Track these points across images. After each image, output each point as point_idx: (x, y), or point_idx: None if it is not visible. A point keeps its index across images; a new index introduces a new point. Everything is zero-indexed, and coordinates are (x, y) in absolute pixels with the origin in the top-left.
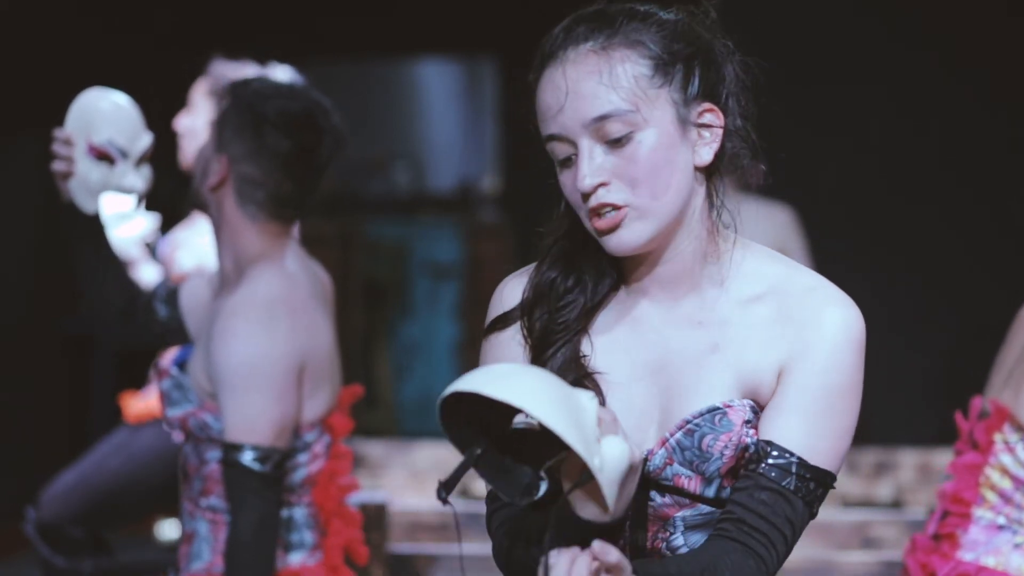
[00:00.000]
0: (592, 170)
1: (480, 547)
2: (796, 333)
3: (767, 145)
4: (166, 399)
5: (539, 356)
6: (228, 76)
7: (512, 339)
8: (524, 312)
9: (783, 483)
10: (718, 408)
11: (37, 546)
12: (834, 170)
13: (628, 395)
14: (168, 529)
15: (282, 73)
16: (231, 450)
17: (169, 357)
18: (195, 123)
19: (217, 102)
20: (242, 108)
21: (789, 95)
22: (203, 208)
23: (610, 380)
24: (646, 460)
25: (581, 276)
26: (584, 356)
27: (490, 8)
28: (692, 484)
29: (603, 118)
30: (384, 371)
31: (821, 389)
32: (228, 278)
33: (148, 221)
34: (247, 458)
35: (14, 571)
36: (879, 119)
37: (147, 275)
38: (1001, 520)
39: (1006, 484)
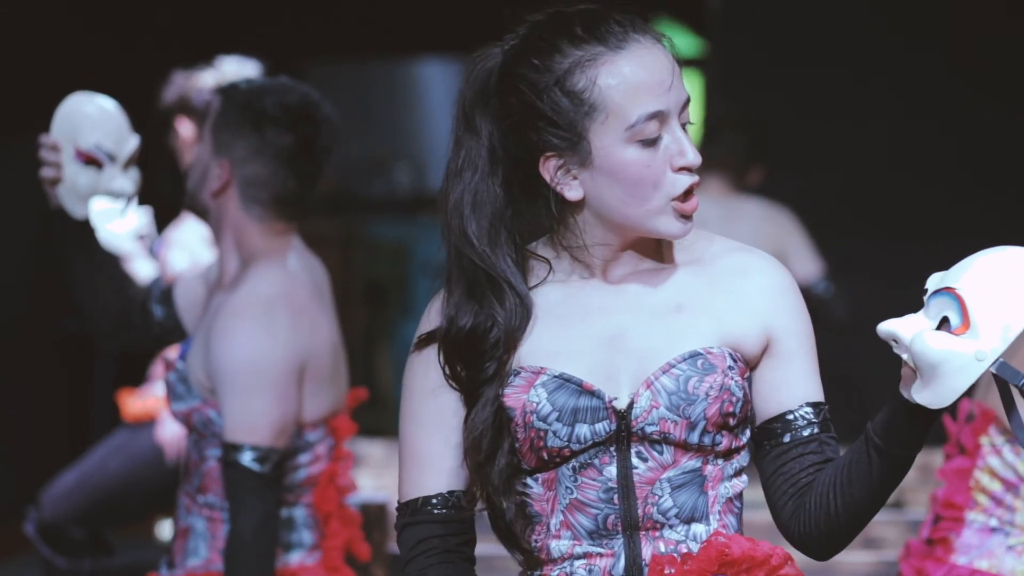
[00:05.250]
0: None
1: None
2: (751, 285)
3: (771, 143)
4: (171, 392)
5: (472, 396)
6: (187, 84)
7: (437, 360)
8: (445, 360)
9: (826, 434)
10: (699, 353)
11: (38, 546)
12: (835, 170)
13: (592, 361)
14: (168, 529)
15: (238, 66)
16: (230, 450)
17: (175, 350)
18: (175, 144)
19: (207, 105)
20: (238, 108)
21: (792, 91)
22: (202, 214)
23: (569, 352)
24: (631, 403)
25: (500, 300)
26: (520, 371)
27: (490, 8)
28: (677, 429)
29: (689, 101)
30: (385, 371)
31: (806, 330)
32: (230, 278)
33: (141, 215)
34: (246, 458)
35: (14, 571)
36: (883, 116)
37: (142, 270)
38: (993, 523)
39: (996, 486)
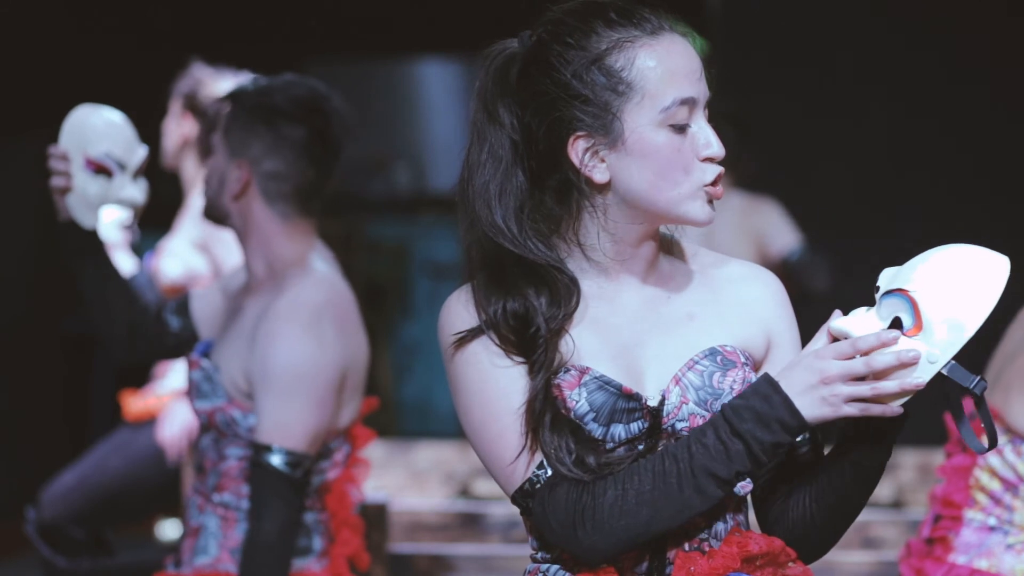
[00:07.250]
0: None
1: (480, 547)
2: (755, 293)
3: (771, 143)
4: (195, 390)
5: (529, 356)
6: (206, 81)
7: (485, 349)
8: (501, 341)
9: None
10: (716, 350)
11: (38, 546)
12: (834, 170)
13: (624, 364)
14: (168, 529)
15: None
16: (262, 451)
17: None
18: (169, 125)
19: (216, 113)
20: (249, 108)
21: (792, 92)
22: (222, 221)
23: (605, 355)
24: (663, 400)
25: (553, 292)
26: (570, 368)
27: (490, 8)
28: None
29: (708, 98)
30: (385, 371)
31: (795, 339)
32: (259, 281)
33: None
34: (277, 461)
35: (14, 571)
36: (883, 116)
37: (123, 263)
38: (992, 521)
39: (995, 485)
